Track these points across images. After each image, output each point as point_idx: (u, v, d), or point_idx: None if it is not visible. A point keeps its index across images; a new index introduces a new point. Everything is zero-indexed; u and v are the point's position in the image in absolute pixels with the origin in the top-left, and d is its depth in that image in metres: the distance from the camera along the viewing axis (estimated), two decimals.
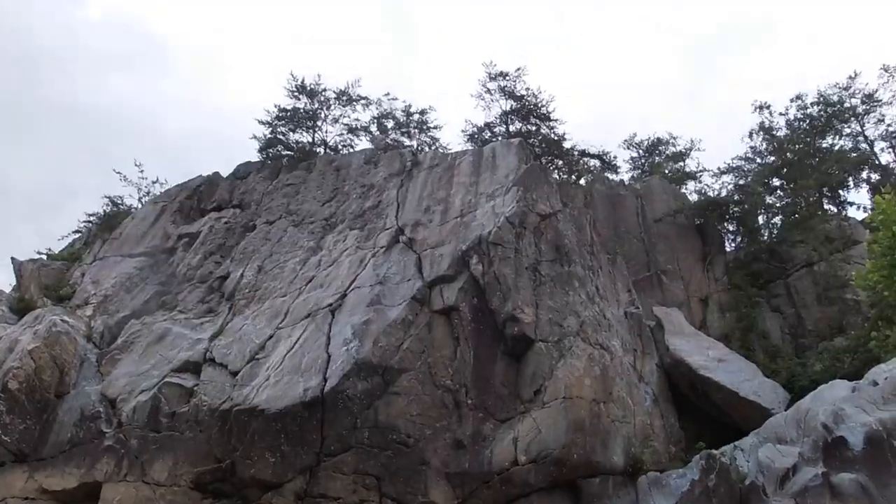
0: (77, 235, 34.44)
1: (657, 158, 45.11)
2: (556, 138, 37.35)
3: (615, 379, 20.46)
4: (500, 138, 35.57)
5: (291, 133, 34.98)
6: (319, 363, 19.21)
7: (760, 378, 23.46)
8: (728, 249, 35.11)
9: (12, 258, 30.85)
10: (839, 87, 37.52)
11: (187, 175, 33.42)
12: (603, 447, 18.50)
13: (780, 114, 38.65)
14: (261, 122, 35.07)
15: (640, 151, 45.57)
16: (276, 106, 35.50)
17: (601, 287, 23.73)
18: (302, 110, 35.21)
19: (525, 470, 17.71)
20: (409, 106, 37.28)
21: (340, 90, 35.75)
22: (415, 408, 18.40)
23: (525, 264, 21.05)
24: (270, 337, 21.40)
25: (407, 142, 36.61)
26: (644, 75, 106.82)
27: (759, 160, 38.93)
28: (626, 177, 43.05)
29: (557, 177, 36.82)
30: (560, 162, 37.56)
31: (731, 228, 36.25)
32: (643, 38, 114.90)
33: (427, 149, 36.20)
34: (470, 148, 33.44)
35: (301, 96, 35.31)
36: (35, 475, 20.35)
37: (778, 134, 38.42)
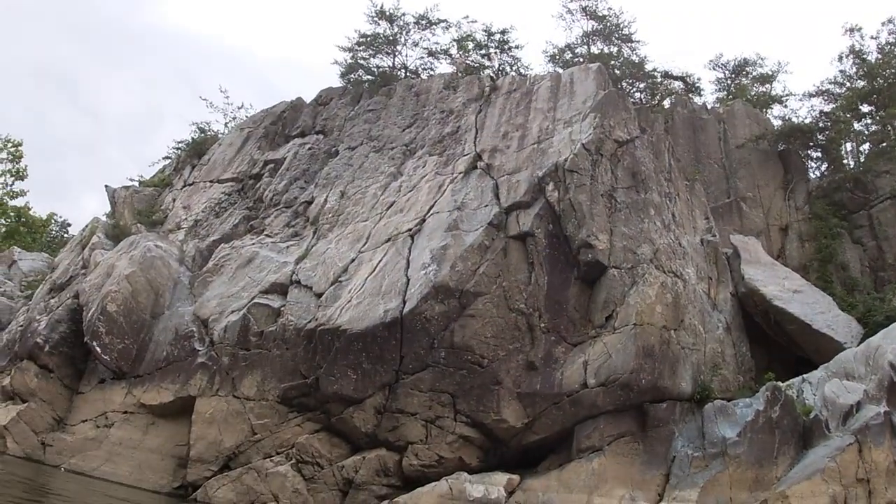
0: (167, 161, 35.48)
1: (743, 80, 43.78)
2: (637, 60, 36.86)
3: (687, 307, 20.71)
4: (581, 59, 35.25)
5: (372, 58, 35.20)
6: (399, 286, 19.90)
7: (835, 311, 23.28)
8: (811, 178, 34.25)
9: (106, 186, 32.23)
10: None
11: (272, 98, 34.13)
12: (671, 373, 18.93)
13: (872, 37, 36.65)
14: (342, 49, 35.34)
15: (727, 72, 43.87)
16: (356, 31, 35.75)
17: (678, 214, 23.73)
18: (382, 35, 35.34)
19: (594, 392, 18.31)
20: (490, 26, 36.48)
21: (420, 15, 35.58)
22: (489, 330, 19.00)
23: (601, 191, 21.22)
24: (353, 260, 22.12)
25: (487, 63, 36.43)
26: None
27: (848, 84, 37.41)
28: (710, 98, 41.92)
29: (639, 99, 36.41)
30: (642, 84, 37.03)
31: (814, 156, 35.35)
32: None
33: (508, 69, 35.97)
34: (550, 71, 33.20)
35: (381, 21, 35.39)
36: (133, 391, 21.71)
37: (868, 58, 36.92)
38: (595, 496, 17.37)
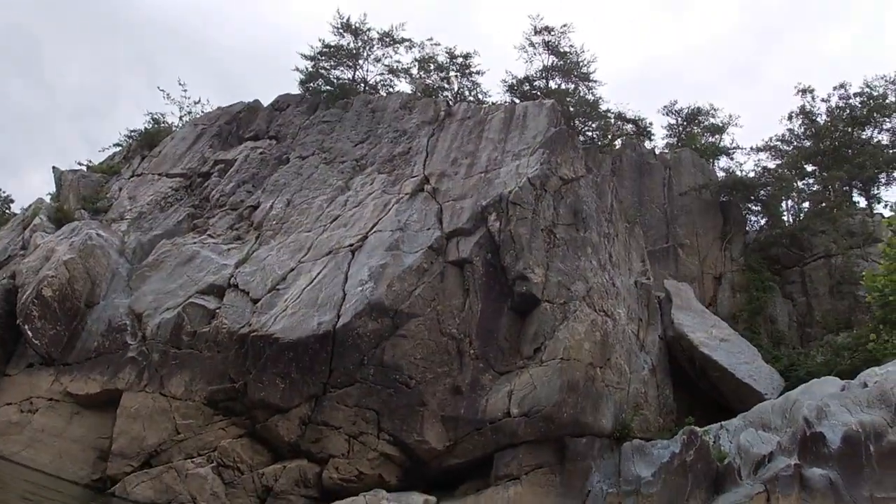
0: (117, 149, 35.22)
1: (694, 128, 44.85)
2: (592, 99, 37.61)
3: (615, 346, 21.25)
4: (538, 93, 35.85)
5: (333, 69, 35.45)
6: (335, 300, 20.07)
7: (759, 362, 23.93)
8: (749, 230, 35.24)
9: (54, 167, 31.86)
10: (886, 80, 36.57)
11: (230, 92, 34.40)
12: (594, 409, 19.42)
13: (822, 100, 37.90)
14: (304, 57, 35.58)
15: (679, 119, 44.95)
16: (320, 41, 35.98)
17: (615, 255, 24.36)
18: (345, 48, 35.61)
19: (516, 422, 18.69)
20: (454, 48, 37.16)
21: (384, 32, 36.07)
22: (420, 351, 19.29)
23: (541, 226, 21.70)
24: (292, 270, 22.22)
25: (446, 85, 36.86)
26: (703, 38, 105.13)
27: (795, 143, 38.45)
28: (660, 143, 43.02)
29: (590, 138, 37.12)
30: (594, 124, 37.76)
31: (754, 209, 36.27)
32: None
33: (467, 93, 36.52)
34: (506, 101, 33.83)
35: (346, 34, 35.72)
36: (61, 378, 21.47)
37: (818, 120, 38.07)
38: None
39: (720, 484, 17.89)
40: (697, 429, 18.93)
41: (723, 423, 20.02)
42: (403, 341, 19.25)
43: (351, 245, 22.15)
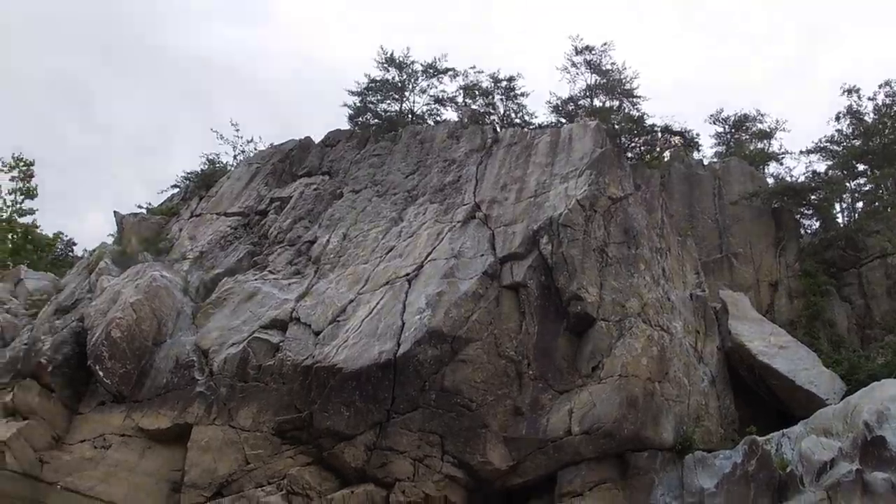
0: (175, 190, 36.35)
1: (742, 136, 44.70)
2: (637, 115, 37.82)
3: (672, 360, 21.41)
4: (582, 113, 36.19)
5: (380, 103, 36.36)
6: (394, 329, 20.55)
7: (819, 368, 23.65)
8: (802, 235, 35.03)
9: (115, 212, 33.05)
10: None
11: (282, 124, 35.15)
12: (654, 424, 19.56)
13: (869, 98, 37.48)
14: (351, 93, 36.64)
15: (726, 127, 44.88)
16: (366, 76, 37.02)
17: (668, 269, 24.51)
18: (391, 81, 36.50)
19: (577, 440, 18.92)
20: (497, 72, 37.80)
21: (428, 63, 36.96)
22: (479, 375, 19.65)
23: (593, 246, 21.98)
24: (351, 301, 22.74)
25: (492, 111, 37.42)
26: (754, 45, 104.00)
27: (844, 143, 38.06)
28: (709, 152, 43.03)
29: (638, 152, 37.32)
30: (640, 140, 37.97)
31: (807, 213, 36.14)
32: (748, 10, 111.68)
33: (513, 115, 37.05)
34: (552, 121, 34.29)
35: (390, 68, 36.63)
36: (132, 414, 22.19)
37: (865, 118, 37.74)
38: None
39: (783, 492, 17.82)
40: (759, 438, 18.92)
41: (784, 430, 19.90)
42: (463, 366, 19.66)
43: (407, 275, 22.63)
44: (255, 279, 25.41)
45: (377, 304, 21.94)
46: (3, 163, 45.17)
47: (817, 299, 29.97)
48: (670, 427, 20.02)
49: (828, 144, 38.49)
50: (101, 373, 22.53)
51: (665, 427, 19.87)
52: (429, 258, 22.98)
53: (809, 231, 36.29)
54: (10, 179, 45.22)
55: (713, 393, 23.05)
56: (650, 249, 23.55)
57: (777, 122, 43.58)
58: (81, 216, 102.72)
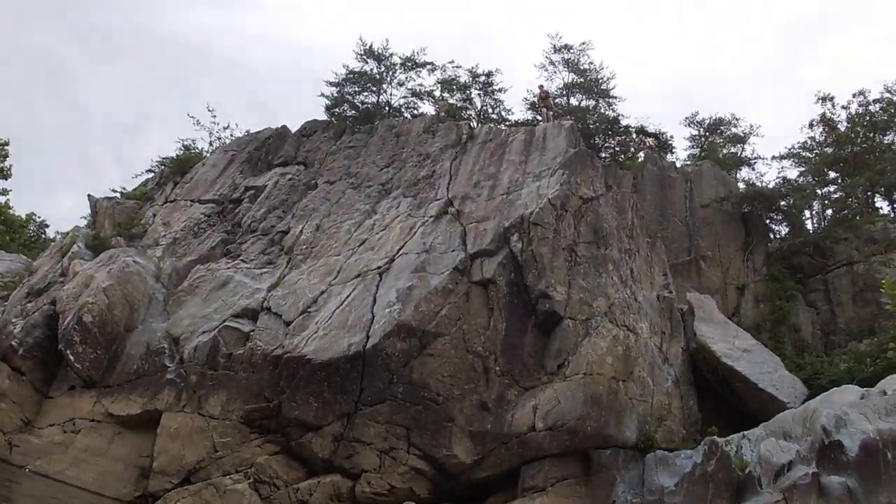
0: (150, 175, 36.06)
1: (716, 139, 45.10)
2: (613, 115, 38.15)
3: (637, 359, 21.77)
4: (560, 111, 36.42)
5: (357, 94, 36.38)
6: (364, 321, 20.74)
7: (782, 371, 24.11)
8: (771, 240, 35.48)
9: (89, 195, 32.73)
10: None
11: (259, 111, 35.10)
12: (617, 422, 19.92)
13: (843, 107, 38.16)
14: (329, 83, 36.62)
15: (701, 130, 45.28)
16: (344, 67, 37.03)
17: (636, 270, 24.85)
18: (369, 73, 36.55)
19: (541, 436, 19.23)
20: (476, 67, 38.06)
21: (407, 57, 37.07)
22: (446, 369, 19.88)
23: (562, 245, 22.26)
24: (322, 293, 22.88)
25: (469, 106, 37.57)
26: (733, 50, 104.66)
27: (817, 150, 38.64)
28: (683, 154, 43.48)
29: (612, 153, 37.63)
30: (614, 140, 38.29)
31: (776, 219, 36.52)
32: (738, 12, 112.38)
33: (490, 111, 37.26)
34: (528, 119, 34.47)
35: (369, 60, 36.67)
36: (102, 400, 22.19)
37: (838, 127, 38.13)
38: None
39: (741, 493, 18.11)
40: (719, 439, 19.21)
41: (745, 432, 20.21)
42: (431, 360, 19.87)
43: (378, 268, 22.82)
44: (228, 268, 25.44)
45: (348, 296, 22.11)
46: None
47: (783, 304, 30.36)
48: (633, 426, 20.40)
49: (800, 151, 39.08)
50: (71, 357, 22.46)
51: (628, 426, 20.24)
52: (400, 252, 23.16)
53: (778, 236, 36.72)
54: None
55: (677, 393, 23.44)
56: (619, 250, 23.89)
57: (751, 126, 44.14)
58: (55, 196, 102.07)
